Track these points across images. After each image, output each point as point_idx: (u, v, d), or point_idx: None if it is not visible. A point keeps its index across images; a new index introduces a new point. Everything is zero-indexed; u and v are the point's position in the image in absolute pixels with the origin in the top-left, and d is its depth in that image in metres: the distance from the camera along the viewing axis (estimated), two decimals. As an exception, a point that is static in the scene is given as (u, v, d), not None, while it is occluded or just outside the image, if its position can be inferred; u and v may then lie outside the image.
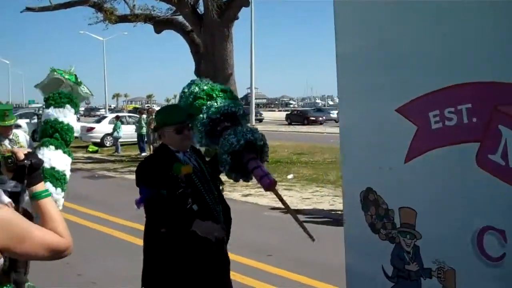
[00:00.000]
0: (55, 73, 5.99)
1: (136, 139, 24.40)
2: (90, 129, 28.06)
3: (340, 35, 3.48)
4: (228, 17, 20.54)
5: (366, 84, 3.31)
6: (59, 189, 5.24)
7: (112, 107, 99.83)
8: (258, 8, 75.35)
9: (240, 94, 28.13)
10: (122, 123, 26.38)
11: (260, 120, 57.99)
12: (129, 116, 30.55)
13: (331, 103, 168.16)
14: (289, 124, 54.49)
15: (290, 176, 15.68)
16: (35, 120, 30.86)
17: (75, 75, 6.09)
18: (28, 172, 2.24)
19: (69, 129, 5.66)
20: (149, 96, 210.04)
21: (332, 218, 10.36)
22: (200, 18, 21.14)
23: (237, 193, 13.25)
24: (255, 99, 55.32)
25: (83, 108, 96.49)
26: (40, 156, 4.96)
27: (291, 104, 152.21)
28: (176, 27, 23.10)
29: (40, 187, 2.28)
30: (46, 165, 5.16)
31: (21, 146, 5.84)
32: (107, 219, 10.47)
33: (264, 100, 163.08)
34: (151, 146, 22.20)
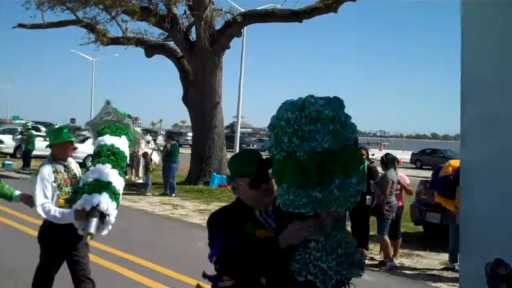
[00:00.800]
0: (111, 107, 6.15)
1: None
2: (73, 149, 27.76)
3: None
4: (219, 46, 20.65)
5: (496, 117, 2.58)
6: (114, 203, 5.16)
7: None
8: (249, 39, 75.88)
9: (226, 122, 28.14)
10: (106, 144, 26.15)
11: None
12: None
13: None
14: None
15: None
16: (19, 137, 30.51)
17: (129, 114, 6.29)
18: None
19: (124, 157, 5.64)
20: (136, 119, 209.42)
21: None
22: (191, 45, 21.22)
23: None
24: (241, 128, 55.27)
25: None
26: (97, 170, 5.34)
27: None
28: (167, 53, 23.15)
29: None
30: (103, 178, 5.22)
31: (74, 175, 5.59)
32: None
33: (250, 130, 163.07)
34: (133, 170, 22.08)
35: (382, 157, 10.33)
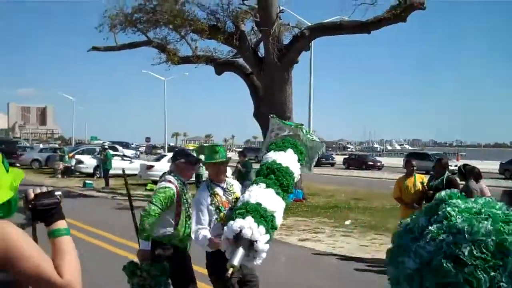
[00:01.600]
0: (276, 121, 6.00)
1: (194, 179, 24.62)
2: (150, 167, 28.45)
3: None
4: (288, 60, 20.69)
5: None
6: (261, 227, 4.59)
7: (172, 145, 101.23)
8: (318, 51, 75.64)
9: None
10: (181, 162, 26.62)
11: (332, 164, 57.92)
12: (188, 156, 30.90)
13: (389, 148, 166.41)
14: (347, 168, 53.85)
15: (347, 222, 15.38)
16: (97, 156, 31.57)
17: (301, 124, 6.04)
18: (39, 213, 2.28)
19: (288, 173, 5.22)
20: (208, 136, 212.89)
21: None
22: (260, 61, 21.37)
23: (294, 237, 13.09)
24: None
25: (143, 146, 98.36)
26: (247, 193, 4.96)
27: (349, 148, 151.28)
28: (237, 69, 23.41)
29: (58, 225, 2.30)
30: (252, 200, 4.81)
31: (236, 197, 5.28)
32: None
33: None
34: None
35: (459, 168, 9.98)
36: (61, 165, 32.90)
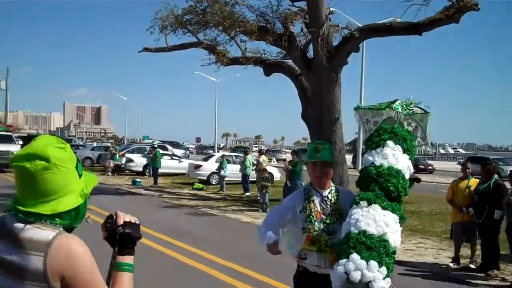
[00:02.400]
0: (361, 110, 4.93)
1: (240, 179, 24.76)
2: (198, 167, 28.78)
3: None
4: (337, 62, 20.50)
5: None
6: (372, 262, 3.60)
7: (221, 146, 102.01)
8: (368, 53, 75.23)
9: (347, 139, 27.88)
10: (229, 162, 26.84)
11: (431, 172, 53.52)
12: (236, 156, 31.07)
13: (442, 151, 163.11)
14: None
15: (393, 226, 15.16)
16: (146, 155, 32.11)
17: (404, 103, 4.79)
18: (119, 241, 2.24)
19: (392, 174, 4.14)
20: (257, 137, 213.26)
21: (433, 272, 9.92)
22: (309, 62, 21.26)
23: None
24: (363, 144, 54.47)
25: (193, 146, 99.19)
26: (348, 219, 4.00)
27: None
28: (285, 71, 23.37)
29: (127, 259, 2.27)
30: (354, 228, 3.82)
31: (335, 211, 4.36)
32: (205, 256, 10.55)
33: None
34: (258, 185, 22.35)
35: (510, 172, 9.86)
36: (111, 163, 33.57)
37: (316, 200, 4.38)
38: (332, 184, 4.53)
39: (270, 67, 23.96)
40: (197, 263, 9.93)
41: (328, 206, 4.37)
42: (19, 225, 2.08)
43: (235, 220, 16.16)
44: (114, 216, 2.26)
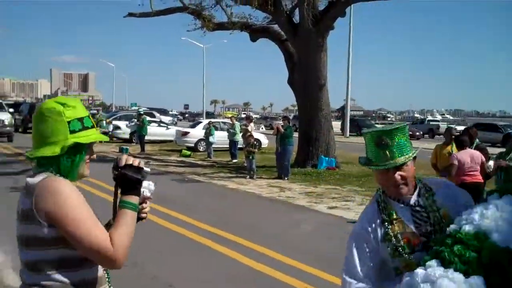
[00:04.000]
0: None
1: (228, 146, 24.70)
2: (185, 134, 28.65)
3: None
4: (323, 27, 20.35)
5: None
6: (456, 276, 2.20)
7: (210, 113, 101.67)
8: (356, 18, 74.97)
9: (336, 105, 27.87)
10: (216, 129, 26.74)
11: (418, 138, 51.70)
12: (223, 123, 30.99)
13: (430, 117, 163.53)
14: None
15: (379, 191, 15.19)
16: (133, 123, 31.92)
17: None
18: (122, 181, 2.34)
19: None
20: (246, 104, 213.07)
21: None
22: (295, 27, 21.09)
23: (323, 205, 13.04)
24: (351, 110, 54.54)
25: (176, 112, 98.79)
26: (475, 210, 2.36)
27: (389, 117, 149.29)
28: (271, 36, 23.17)
29: (129, 198, 2.34)
30: (474, 224, 2.35)
31: (439, 227, 2.61)
32: (187, 221, 10.55)
33: (361, 112, 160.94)
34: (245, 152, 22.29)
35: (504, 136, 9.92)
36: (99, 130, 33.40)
37: (404, 214, 2.72)
38: (416, 178, 2.83)
39: (256, 32, 23.77)
40: (182, 228, 9.93)
41: (425, 218, 2.70)
42: (28, 178, 2.30)
43: (222, 187, 16.16)
44: (117, 158, 2.38)
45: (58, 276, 2.23)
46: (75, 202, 2.19)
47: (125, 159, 2.35)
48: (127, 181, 2.33)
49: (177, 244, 8.99)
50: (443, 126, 51.11)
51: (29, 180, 2.27)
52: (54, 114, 2.32)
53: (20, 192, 2.31)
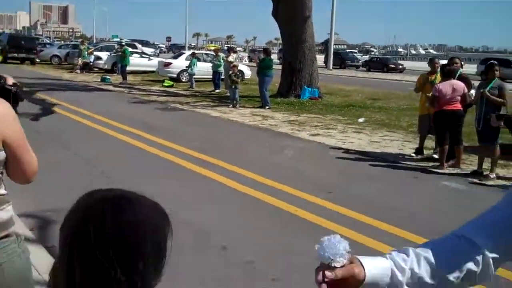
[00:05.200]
0: None
1: (211, 76, 24.61)
2: (167, 65, 28.40)
3: None
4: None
5: None
6: None
7: (192, 46, 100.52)
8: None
9: (319, 39, 27.66)
10: (199, 60, 26.53)
11: (357, 67, 54.89)
12: (206, 54, 30.69)
13: (413, 52, 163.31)
14: (368, 70, 52.85)
15: (361, 120, 15.37)
16: (115, 53, 31.57)
17: None
18: (13, 98, 2.37)
19: None
20: (229, 37, 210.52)
21: (397, 162, 10.18)
22: (280, -46, 20.68)
23: (306, 132, 13.18)
24: (335, 44, 54.25)
25: (163, 45, 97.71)
26: None
27: (372, 51, 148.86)
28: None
29: None
30: None
31: None
32: (171, 147, 10.64)
33: (344, 46, 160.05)
34: (228, 82, 22.20)
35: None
36: (80, 61, 32.96)
37: None
38: None
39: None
40: (168, 154, 10.01)
41: None
42: None
43: (205, 115, 16.19)
44: (4, 77, 2.42)
45: None
46: (16, 120, 2.21)
47: (11, 79, 2.43)
48: (17, 99, 2.41)
49: (163, 168, 9.08)
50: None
51: None
52: None
53: None
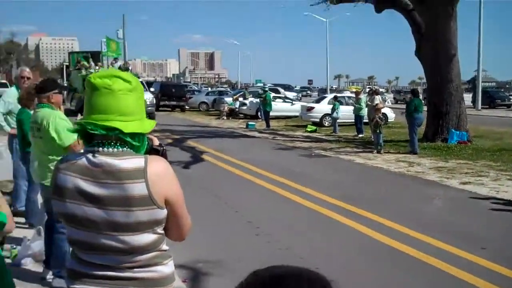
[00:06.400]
0: None
1: (353, 120, 24.47)
2: (310, 109, 28.71)
3: None
4: (453, -6, 19.47)
5: None
6: None
7: (334, 88, 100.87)
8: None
9: (465, 77, 26.69)
10: (341, 103, 26.54)
11: (508, 106, 51.82)
12: (348, 97, 30.68)
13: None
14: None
15: (516, 166, 14.43)
16: (258, 99, 32.34)
17: None
18: (162, 156, 2.48)
19: None
20: (370, 78, 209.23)
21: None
22: (423, -4, 20.33)
23: (455, 180, 12.60)
24: (483, 82, 51.84)
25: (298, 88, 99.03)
26: None
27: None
28: (398, 6, 22.47)
29: None
30: None
31: None
32: (317, 196, 10.61)
33: (494, 84, 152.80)
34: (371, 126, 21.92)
35: None
36: (226, 107, 34.26)
37: None
38: None
39: (381, 3, 23.16)
40: (311, 203, 9.99)
41: None
42: (106, 160, 2.15)
43: (349, 162, 16.06)
44: (151, 139, 2.53)
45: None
46: (177, 180, 2.28)
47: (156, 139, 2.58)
48: (164, 156, 2.48)
49: (306, 217, 9.09)
50: None
51: (127, 165, 2.15)
52: (142, 91, 2.31)
53: (95, 172, 2.17)
